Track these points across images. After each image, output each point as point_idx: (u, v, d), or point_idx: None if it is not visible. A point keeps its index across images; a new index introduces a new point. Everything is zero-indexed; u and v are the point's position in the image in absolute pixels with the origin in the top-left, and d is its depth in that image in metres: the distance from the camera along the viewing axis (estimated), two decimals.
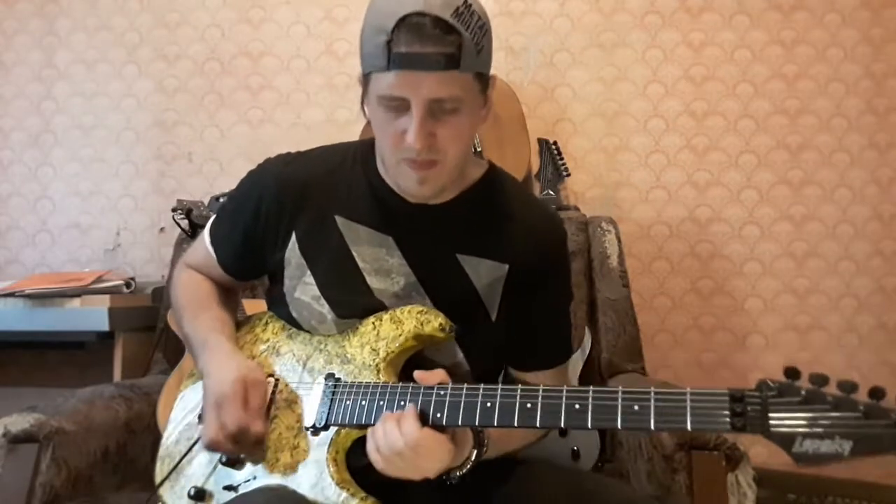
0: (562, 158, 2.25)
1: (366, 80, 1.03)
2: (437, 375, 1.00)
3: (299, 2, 2.44)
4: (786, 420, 0.78)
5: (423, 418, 0.95)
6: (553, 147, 2.26)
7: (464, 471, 0.99)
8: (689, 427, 0.83)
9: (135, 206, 2.46)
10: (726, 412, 0.81)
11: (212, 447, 1.07)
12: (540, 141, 2.28)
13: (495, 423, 0.93)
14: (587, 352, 1.94)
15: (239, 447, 1.07)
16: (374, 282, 1.13)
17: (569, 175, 2.26)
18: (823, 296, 2.31)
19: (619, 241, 2.03)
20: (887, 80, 2.32)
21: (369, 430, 0.98)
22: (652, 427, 0.85)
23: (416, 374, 1.01)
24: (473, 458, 1.00)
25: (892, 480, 2.07)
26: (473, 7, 0.99)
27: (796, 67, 2.33)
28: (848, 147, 2.32)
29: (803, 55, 2.33)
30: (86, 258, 2.46)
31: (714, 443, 1.33)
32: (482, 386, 0.96)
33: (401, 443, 0.93)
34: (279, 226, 1.17)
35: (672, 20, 2.36)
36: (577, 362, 1.90)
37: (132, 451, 1.63)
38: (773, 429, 0.79)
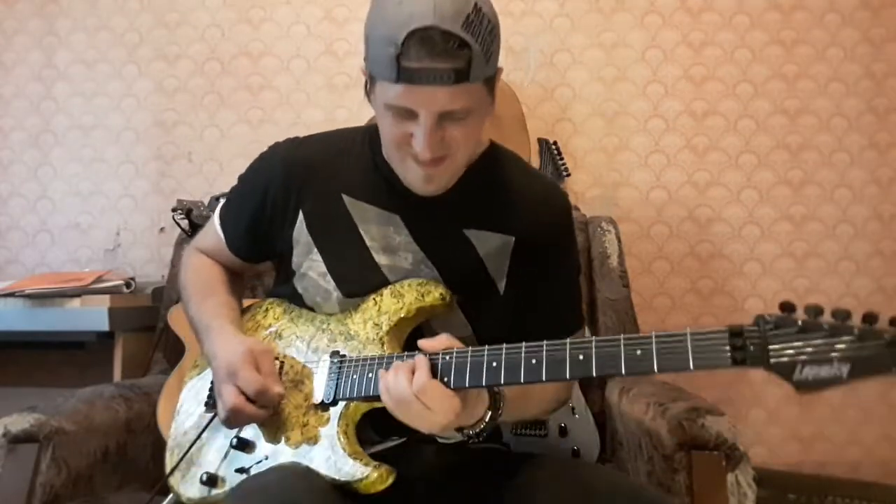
0: (562, 158, 2.25)
1: (371, 79, 1.03)
2: (442, 342, 1.00)
3: (299, 2, 2.44)
4: (785, 350, 0.79)
5: (434, 371, 0.96)
6: (553, 147, 2.26)
7: (477, 430, 1.00)
8: (691, 366, 0.83)
9: (135, 206, 2.46)
10: (727, 348, 0.82)
11: (233, 415, 1.07)
12: (540, 141, 2.28)
13: (502, 381, 0.94)
14: None
15: (261, 410, 1.07)
16: (381, 259, 1.15)
17: (569, 175, 2.26)
18: (823, 296, 2.31)
19: (619, 241, 2.03)
20: (887, 80, 2.32)
21: (381, 373, 0.99)
22: (655, 369, 0.85)
23: (420, 342, 1.01)
24: (488, 419, 1.00)
25: (892, 480, 2.07)
26: (483, 10, 0.97)
27: (796, 67, 2.33)
28: (848, 147, 2.32)
29: (803, 55, 2.33)
30: (86, 258, 2.46)
31: (714, 443, 1.33)
32: (487, 347, 0.96)
33: (408, 391, 0.93)
34: (287, 206, 1.19)
35: (672, 20, 2.36)
36: None
37: (132, 451, 1.63)
38: (772, 360, 0.80)
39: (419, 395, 0.93)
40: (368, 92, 1.06)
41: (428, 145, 1.00)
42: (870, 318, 0.77)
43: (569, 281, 1.22)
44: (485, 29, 0.97)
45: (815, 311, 0.79)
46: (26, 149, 2.50)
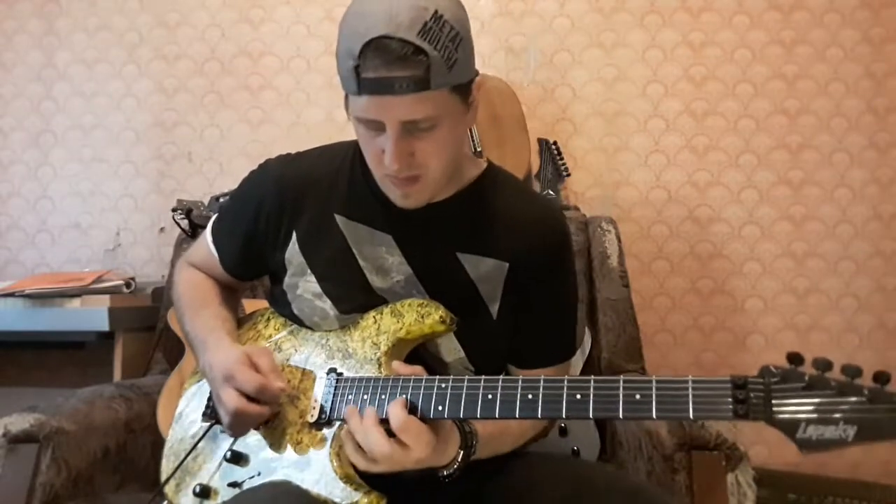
0: (562, 158, 2.25)
1: (346, 96, 1.04)
2: (416, 370, 1.01)
3: (299, 2, 2.44)
4: (789, 406, 0.77)
5: (412, 411, 0.96)
6: (553, 147, 2.26)
7: (451, 470, 0.99)
8: (691, 415, 0.82)
9: (135, 206, 2.46)
10: (728, 399, 0.80)
11: (237, 419, 1.06)
12: (540, 141, 2.28)
13: (497, 415, 0.93)
14: (587, 352, 1.94)
15: (264, 408, 1.06)
16: (374, 280, 1.14)
17: (569, 175, 2.26)
18: (823, 296, 2.31)
19: (619, 241, 2.03)
20: (887, 80, 2.32)
21: (345, 434, 0.99)
22: (654, 416, 0.84)
23: (395, 364, 1.02)
24: (461, 458, 1.00)
25: (892, 480, 2.07)
26: (445, 17, 0.96)
27: (796, 67, 2.33)
28: (848, 147, 2.32)
29: (803, 55, 2.33)
30: (86, 258, 2.46)
31: (714, 443, 1.33)
32: (483, 378, 0.96)
33: (385, 442, 0.93)
34: (280, 226, 1.18)
35: (672, 20, 2.36)
36: (577, 362, 1.90)
37: (132, 451, 1.63)
38: (776, 415, 0.77)
39: (400, 434, 0.93)
40: (347, 110, 1.07)
41: (395, 157, 0.99)
42: (881, 377, 0.74)
43: (563, 309, 1.20)
44: (446, 36, 0.96)
45: (824, 365, 0.76)
46: (26, 149, 2.50)
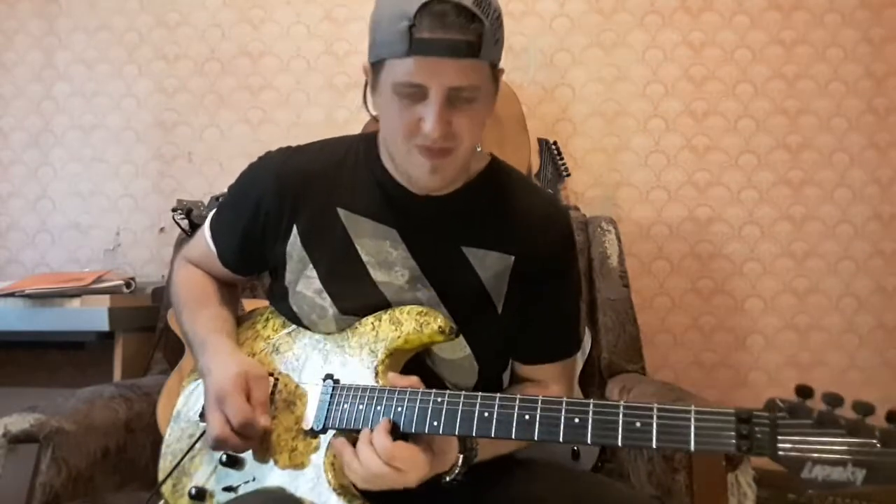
0: (562, 158, 2.25)
1: (376, 68, 1.02)
2: (412, 381, 1.00)
3: (299, 2, 2.44)
4: (795, 444, 0.74)
5: (395, 430, 0.96)
6: (553, 147, 2.27)
7: (454, 475, 0.99)
8: (692, 448, 0.80)
9: (135, 206, 2.46)
10: (732, 433, 0.78)
11: (218, 443, 1.06)
12: (540, 141, 2.28)
13: (492, 435, 0.92)
14: (587, 352, 1.94)
15: (245, 442, 1.06)
16: (377, 275, 1.12)
17: (569, 175, 2.26)
18: (823, 296, 2.31)
19: (619, 241, 2.03)
20: (887, 80, 2.32)
21: (345, 460, 0.98)
22: (653, 446, 0.82)
23: (390, 376, 1.02)
24: (461, 463, 0.99)
25: None
26: None
27: (796, 67, 2.34)
28: (848, 147, 2.32)
29: (803, 55, 2.33)
30: (86, 258, 2.46)
31: None
32: (480, 395, 0.95)
33: (380, 464, 0.93)
34: (280, 220, 1.17)
35: (672, 20, 2.36)
36: (577, 362, 1.90)
37: (132, 451, 1.63)
38: (781, 452, 0.75)
39: (389, 462, 0.93)
40: (371, 87, 1.05)
41: (437, 122, 0.98)
42: (894, 418, 0.71)
43: (567, 304, 1.19)
44: (493, 13, 0.99)
45: (834, 400, 0.73)
46: (26, 149, 2.50)
